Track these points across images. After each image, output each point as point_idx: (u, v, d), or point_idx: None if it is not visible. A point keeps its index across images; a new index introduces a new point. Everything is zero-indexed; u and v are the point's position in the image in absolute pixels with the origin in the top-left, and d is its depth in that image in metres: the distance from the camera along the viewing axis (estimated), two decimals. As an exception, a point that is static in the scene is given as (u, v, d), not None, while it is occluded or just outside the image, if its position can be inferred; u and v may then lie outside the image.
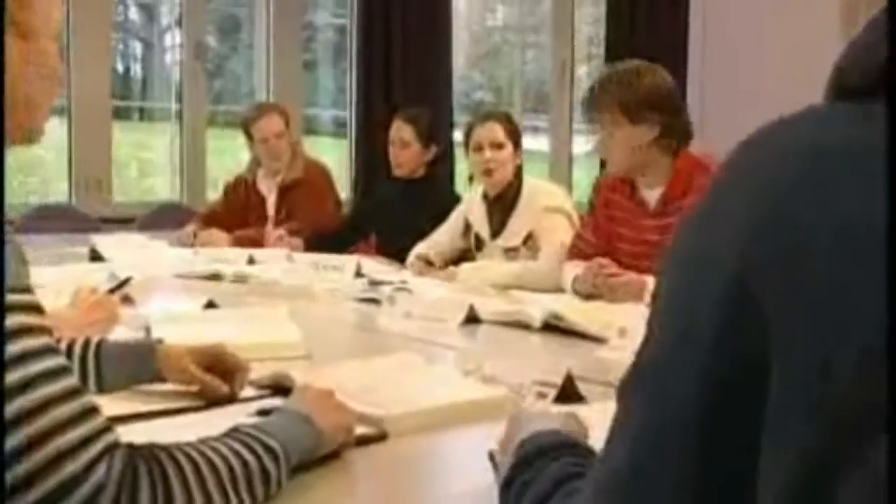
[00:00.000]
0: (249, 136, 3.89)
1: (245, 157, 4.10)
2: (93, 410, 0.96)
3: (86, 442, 0.92)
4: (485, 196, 3.11)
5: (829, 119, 0.60)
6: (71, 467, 0.91)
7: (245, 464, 1.04)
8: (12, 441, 0.91)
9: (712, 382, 0.58)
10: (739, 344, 0.57)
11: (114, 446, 0.94)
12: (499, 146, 3.02)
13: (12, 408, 0.91)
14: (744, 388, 0.56)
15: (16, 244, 1.00)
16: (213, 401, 1.45)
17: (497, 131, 3.04)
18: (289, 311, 2.10)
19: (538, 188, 3.09)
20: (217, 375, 1.47)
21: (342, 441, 1.23)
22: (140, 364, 1.47)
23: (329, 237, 3.68)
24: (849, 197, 0.56)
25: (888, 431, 0.50)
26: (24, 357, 0.93)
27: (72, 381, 0.96)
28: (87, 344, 1.47)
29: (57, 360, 0.95)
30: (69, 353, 1.44)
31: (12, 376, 0.92)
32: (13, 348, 0.92)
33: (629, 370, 0.65)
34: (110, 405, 1.32)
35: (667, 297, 0.64)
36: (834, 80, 0.61)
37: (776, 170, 0.60)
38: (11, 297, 0.94)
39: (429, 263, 3.07)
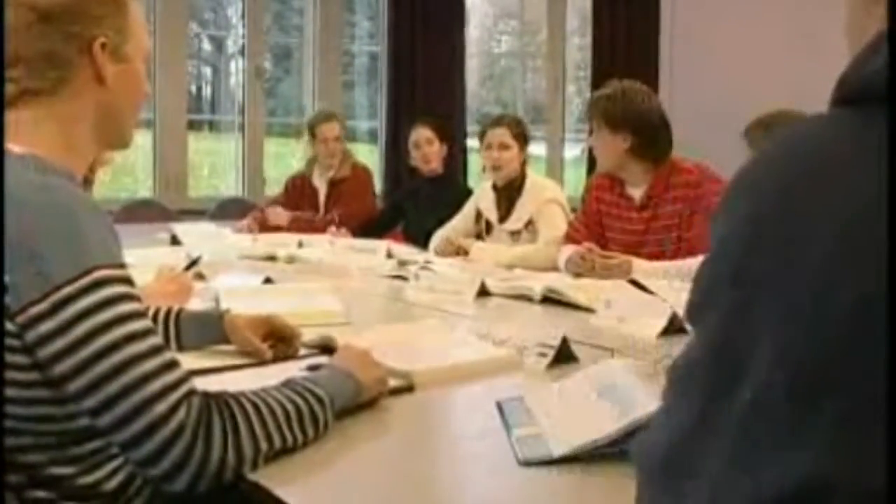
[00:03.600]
0: (313, 136, 3.92)
1: (294, 160, 4.10)
2: (174, 364, 0.95)
3: (169, 389, 0.92)
4: (494, 187, 3.09)
5: (832, 122, 0.58)
6: (159, 408, 0.91)
7: (298, 408, 1.03)
8: (110, 389, 0.91)
9: (717, 340, 0.59)
10: (737, 317, 0.57)
11: (191, 393, 0.94)
12: (505, 147, 3.00)
13: (109, 363, 0.91)
14: (734, 347, 0.57)
15: (113, 229, 0.99)
16: (271, 358, 1.44)
17: (504, 135, 3.02)
18: (331, 286, 2.09)
19: (539, 182, 3.07)
20: (272, 339, 1.47)
21: (377, 392, 1.22)
22: (210, 329, 1.46)
23: (371, 226, 3.69)
24: (843, 190, 0.54)
25: (888, 427, 0.49)
26: (117, 321, 0.92)
27: (156, 340, 0.95)
28: (169, 312, 1.46)
29: (144, 323, 0.95)
30: (155, 319, 1.44)
31: (108, 336, 0.91)
32: (110, 313, 0.92)
33: (689, 308, 0.64)
34: (188, 361, 1.32)
35: (699, 272, 0.63)
36: (837, 89, 0.59)
37: (781, 167, 0.58)
38: (109, 272, 0.94)
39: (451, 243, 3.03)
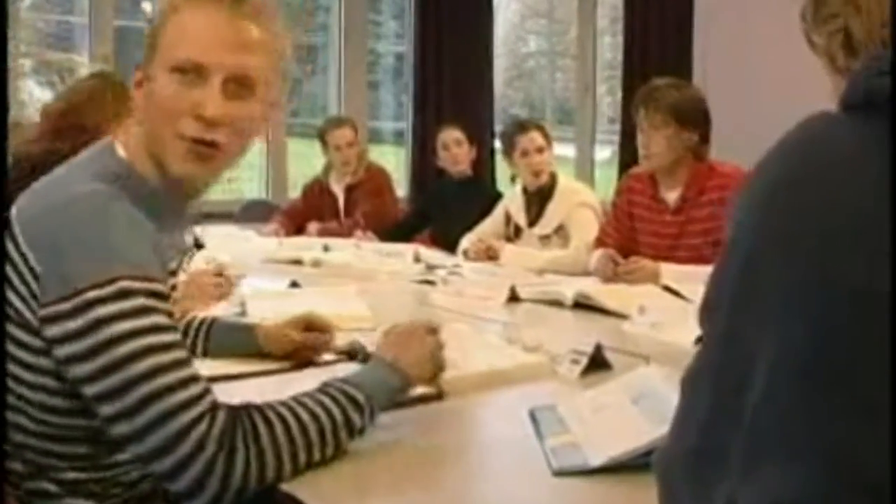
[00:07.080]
0: (325, 144, 3.90)
1: (318, 162, 4.12)
2: (197, 378, 0.94)
3: (189, 403, 0.91)
4: (524, 191, 3.08)
5: (840, 123, 0.62)
6: (175, 425, 0.90)
7: (331, 417, 1.02)
8: (127, 401, 0.91)
9: (726, 337, 0.62)
10: (743, 314, 0.60)
11: (215, 408, 0.93)
12: (542, 150, 3.01)
13: (126, 374, 0.91)
14: (742, 342, 0.60)
15: (153, 243, 1.00)
16: (301, 363, 1.45)
17: (539, 139, 3.02)
18: (357, 290, 2.10)
19: (570, 186, 3.07)
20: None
21: (431, 373, 1.19)
22: (243, 340, 1.47)
23: (396, 230, 3.70)
24: (847, 185, 0.57)
25: (892, 428, 0.50)
26: (137, 332, 0.93)
27: (180, 353, 0.95)
28: (202, 322, 1.48)
29: (167, 336, 0.94)
30: (188, 327, 1.45)
31: (127, 346, 0.92)
32: (129, 325, 0.92)
33: (702, 308, 0.66)
34: (218, 367, 1.34)
35: (716, 268, 0.65)
36: (843, 96, 0.63)
37: (791, 163, 0.61)
38: (135, 283, 0.94)
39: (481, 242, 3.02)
